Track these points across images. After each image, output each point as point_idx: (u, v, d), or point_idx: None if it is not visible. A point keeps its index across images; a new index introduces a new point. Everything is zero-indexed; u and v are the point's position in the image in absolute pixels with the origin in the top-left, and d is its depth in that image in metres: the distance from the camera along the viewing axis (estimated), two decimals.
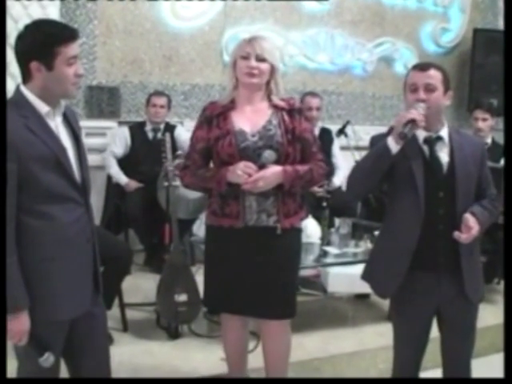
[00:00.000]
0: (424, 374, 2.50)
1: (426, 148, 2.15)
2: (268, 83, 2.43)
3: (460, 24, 5.95)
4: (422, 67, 2.16)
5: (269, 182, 2.33)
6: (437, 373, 2.42)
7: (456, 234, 2.03)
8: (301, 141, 2.43)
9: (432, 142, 2.15)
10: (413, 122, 2.02)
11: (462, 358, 2.29)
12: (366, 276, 2.34)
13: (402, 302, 2.21)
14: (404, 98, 2.19)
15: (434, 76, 2.12)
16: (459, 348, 2.27)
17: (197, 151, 2.47)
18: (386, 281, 2.22)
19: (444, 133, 2.17)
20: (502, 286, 4.28)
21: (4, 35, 3.37)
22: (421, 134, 2.14)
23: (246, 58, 2.36)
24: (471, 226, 2.03)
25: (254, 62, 2.35)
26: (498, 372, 3.06)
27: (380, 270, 2.25)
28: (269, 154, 2.35)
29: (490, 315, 3.82)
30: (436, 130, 2.15)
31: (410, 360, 2.30)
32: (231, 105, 2.44)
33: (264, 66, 2.37)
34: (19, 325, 1.77)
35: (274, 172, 2.34)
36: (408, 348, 2.28)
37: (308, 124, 2.49)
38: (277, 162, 2.36)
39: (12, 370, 1.95)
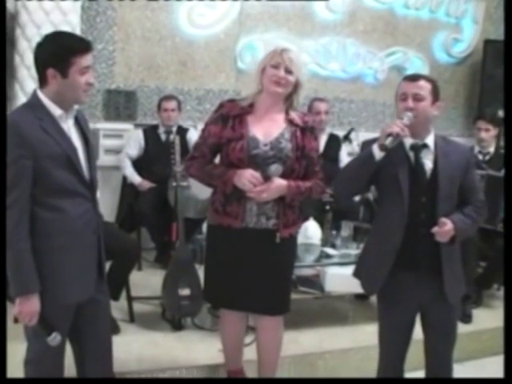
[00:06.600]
0: (411, 375, 2.63)
1: (411, 154, 2.28)
2: (289, 96, 2.54)
3: (472, 35, 6.00)
4: (412, 78, 2.29)
5: (272, 193, 2.46)
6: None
7: (434, 229, 2.16)
8: (307, 158, 2.55)
9: (418, 148, 2.28)
10: (396, 134, 2.15)
11: (443, 356, 2.40)
12: (356, 274, 2.49)
13: (387, 298, 2.36)
14: (395, 106, 2.34)
15: (423, 86, 2.24)
16: (440, 347, 2.39)
17: (207, 145, 2.56)
18: (372, 278, 2.36)
19: (430, 140, 2.30)
20: (501, 292, 4.35)
21: (4, 35, 3.57)
22: (407, 141, 2.27)
23: (275, 67, 2.47)
24: (445, 222, 2.15)
25: (282, 73, 2.46)
26: (494, 374, 3.18)
27: (367, 269, 2.40)
28: (275, 168, 2.46)
29: (487, 319, 3.90)
30: (422, 138, 2.29)
31: (395, 354, 2.43)
32: (249, 109, 2.54)
33: (290, 78, 2.48)
34: (30, 306, 1.95)
35: (278, 186, 2.46)
36: (392, 342, 2.41)
37: (316, 143, 2.61)
38: (282, 174, 2.48)
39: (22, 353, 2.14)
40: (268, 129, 2.52)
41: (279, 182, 2.47)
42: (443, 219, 2.17)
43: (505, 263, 2.64)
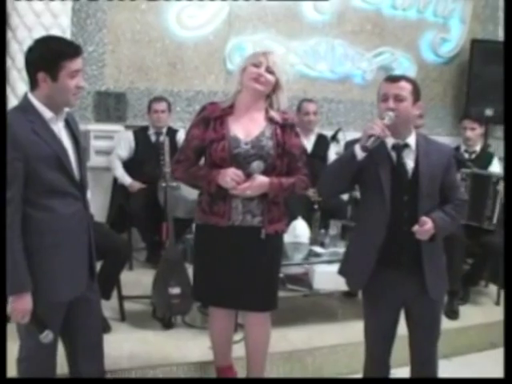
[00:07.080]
0: (398, 371, 2.69)
1: (393, 154, 2.34)
2: (269, 97, 2.59)
3: (460, 34, 6.04)
4: (393, 79, 2.35)
5: (255, 190, 2.52)
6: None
7: (415, 227, 2.23)
8: (288, 155, 2.60)
9: (399, 148, 2.34)
10: (377, 136, 2.21)
11: (428, 351, 2.46)
12: (341, 271, 2.55)
13: (371, 295, 2.42)
14: (377, 107, 2.39)
15: (404, 87, 2.30)
16: (424, 342, 2.44)
17: (191, 148, 2.63)
18: (356, 276, 2.42)
19: (411, 140, 2.36)
20: (489, 289, 4.39)
21: (4, 35, 3.61)
22: (389, 141, 2.33)
23: (257, 65, 2.54)
24: (425, 221, 2.22)
25: (263, 71, 2.53)
26: (480, 369, 3.24)
27: (351, 267, 2.45)
28: (257, 165, 2.53)
29: (474, 315, 3.95)
30: (404, 138, 2.34)
31: (380, 350, 2.49)
32: (230, 110, 2.60)
33: (270, 77, 2.53)
34: (23, 304, 1.99)
35: (260, 183, 2.52)
36: (377, 339, 2.46)
37: (297, 140, 2.66)
38: (264, 171, 2.54)
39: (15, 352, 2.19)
40: (248, 128, 2.58)
41: (261, 179, 2.53)
42: (424, 218, 2.23)
43: (505, 262, 2.71)
